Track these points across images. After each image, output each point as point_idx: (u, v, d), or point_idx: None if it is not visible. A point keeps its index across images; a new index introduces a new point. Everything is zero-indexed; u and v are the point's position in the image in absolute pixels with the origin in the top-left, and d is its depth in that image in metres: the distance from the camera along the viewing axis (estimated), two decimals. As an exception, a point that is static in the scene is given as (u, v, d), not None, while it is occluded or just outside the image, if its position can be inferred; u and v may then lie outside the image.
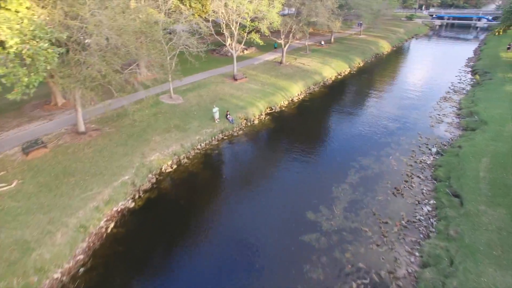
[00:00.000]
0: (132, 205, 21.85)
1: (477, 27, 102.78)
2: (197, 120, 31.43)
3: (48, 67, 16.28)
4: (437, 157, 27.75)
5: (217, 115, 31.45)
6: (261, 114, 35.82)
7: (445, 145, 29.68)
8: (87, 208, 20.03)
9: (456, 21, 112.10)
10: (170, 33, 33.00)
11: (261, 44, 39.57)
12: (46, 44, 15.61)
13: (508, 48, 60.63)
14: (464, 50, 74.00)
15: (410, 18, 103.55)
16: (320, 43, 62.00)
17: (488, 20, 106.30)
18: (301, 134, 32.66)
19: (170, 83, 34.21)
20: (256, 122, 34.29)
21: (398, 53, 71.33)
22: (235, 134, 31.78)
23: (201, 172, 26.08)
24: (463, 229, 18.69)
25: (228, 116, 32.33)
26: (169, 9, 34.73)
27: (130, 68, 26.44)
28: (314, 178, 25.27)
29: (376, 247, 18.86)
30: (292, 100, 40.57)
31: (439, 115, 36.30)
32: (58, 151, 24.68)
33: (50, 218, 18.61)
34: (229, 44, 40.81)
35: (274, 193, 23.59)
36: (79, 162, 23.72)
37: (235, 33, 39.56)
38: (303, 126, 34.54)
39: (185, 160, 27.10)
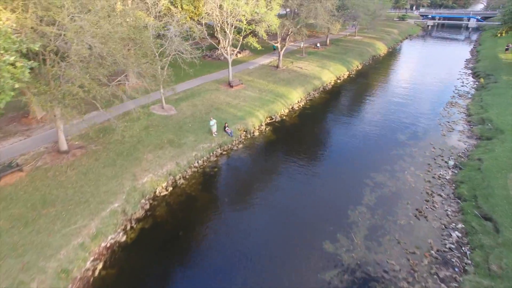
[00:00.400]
0: (124, 238, 18.94)
1: (468, 27, 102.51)
2: (192, 134, 28.59)
3: (17, 85, 13.30)
4: (456, 171, 25.62)
5: (214, 128, 28.68)
6: (261, 125, 33.18)
7: (461, 157, 27.58)
8: (70, 246, 17.04)
9: (446, 21, 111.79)
10: (160, 37, 30.10)
11: (258, 48, 36.94)
12: (13, 57, 12.64)
13: (507, 49, 59.54)
14: (460, 50, 73.00)
15: (402, 18, 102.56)
16: (316, 45, 59.81)
17: (477, 20, 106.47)
18: (305, 147, 30.20)
19: (162, 93, 31.30)
20: (256, 134, 31.64)
21: (395, 54, 69.79)
22: (235, 148, 29.07)
23: (199, 194, 23.29)
24: (508, 264, 16.42)
25: (227, 128, 29.59)
26: (159, 12, 31.86)
27: (118, 80, 23.40)
28: (326, 200, 22.74)
29: (407, 285, 16.44)
30: (292, 108, 38.06)
31: (448, 122, 34.30)
32: (36, 175, 21.54)
33: (23, 264, 15.55)
34: (223, 48, 38.08)
35: (283, 219, 20.99)
36: (61, 188, 20.64)
37: (230, 37, 36.87)
38: (306, 138, 32.09)
39: (182, 180, 24.26)
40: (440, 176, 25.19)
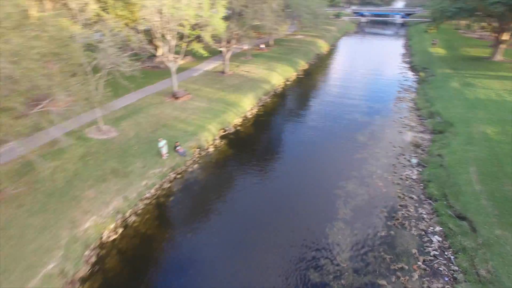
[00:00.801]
0: (65, 311, 15.11)
1: (396, 23, 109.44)
2: (140, 159, 24.92)
3: None
4: (420, 170, 25.39)
5: (165, 150, 25.29)
6: (215, 139, 30.40)
7: (422, 154, 27.61)
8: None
9: (376, 18, 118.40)
10: (91, 49, 25.83)
11: (205, 55, 33.96)
12: None
13: (433, 44, 63.53)
14: (394, 45, 76.92)
15: (338, 16, 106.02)
16: (260, 46, 58.19)
17: (402, 16, 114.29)
18: (264, 159, 28.15)
19: (98, 113, 27.04)
20: (211, 150, 28.80)
21: (337, 51, 71.12)
22: (190, 169, 25.99)
23: (156, 231, 20.00)
24: (495, 266, 15.79)
25: (178, 148, 26.36)
26: (88, 19, 27.50)
27: (41, 106, 19.12)
28: (300, 218, 20.80)
29: (403, 308, 15.07)
30: (245, 116, 35.75)
31: (401, 118, 34.64)
32: None
33: None
34: (164, 56, 34.47)
35: (257, 246, 18.64)
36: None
37: (173, 44, 33.43)
38: (264, 148, 30.13)
39: (133, 218, 20.67)
40: (407, 176, 24.71)
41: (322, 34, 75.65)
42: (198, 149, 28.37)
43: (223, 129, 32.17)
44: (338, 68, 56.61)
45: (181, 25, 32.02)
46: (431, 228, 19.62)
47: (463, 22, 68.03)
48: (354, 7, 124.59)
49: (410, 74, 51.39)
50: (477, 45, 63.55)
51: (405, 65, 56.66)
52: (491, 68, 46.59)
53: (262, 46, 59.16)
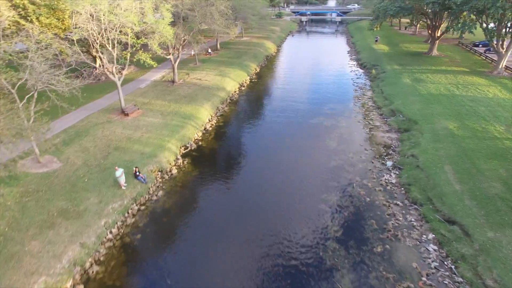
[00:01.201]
0: None
1: (336, 21, 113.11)
2: (93, 192, 21.17)
3: None
4: (397, 172, 25.04)
5: (123, 180, 21.81)
6: (177, 158, 27.34)
7: (394, 155, 27.42)
8: None
9: (314, 17, 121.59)
10: (14, 67, 21.36)
11: (155, 66, 30.51)
12: None
13: (376, 41, 66.10)
14: (337, 43, 79.07)
15: (279, 16, 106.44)
16: (207, 51, 55.37)
17: (338, 14, 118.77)
18: (233, 174, 25.90)
19: (33, 142, 22.58)
20: (174, 171, 25.74)
21: (285, 52, 70.63)
22: (154, 197, 22.79)
23: (124, 281, 16.75)
24: (500, 275, 15.37)
25: (138, 174, 22.98)
26: (3, 29, 22.93)
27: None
28: (291, 241, 18.94)
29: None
30: (205, 129, 33.01)
31: (364, 118, 34.57)
32: None
33: None
34: (106, 68, 30.46)
35: (238, 278, 16.39)
36: None
37: (114, 54, 29.59)
38: (231, 162, 27.81)
39: (95, 268, 17.15)
40: (387, 181, 24.17)
41: (268, 35, 74.92)
42: (160, 173, 25.18)
43: (184, 146, 29.18)
44: (290, 69, 55.87)
45: (123, 33, 28.42)
46: (424, 236, 18.99)
47: (404, 20, 72.01)
48: (292, 7, 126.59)
49: (360, 71, 52.43)
50: (413, 41, 67.43)
51: (354, 63, 57.91)
52: (432, 63, 49.18)
53: (210, 51, 56.39)
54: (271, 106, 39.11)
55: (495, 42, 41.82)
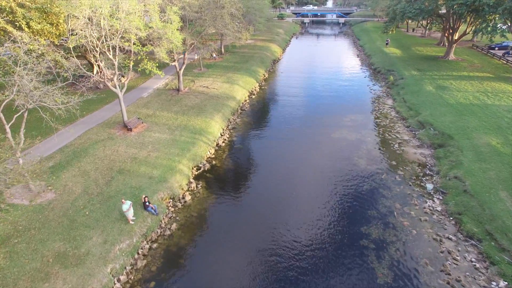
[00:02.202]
0: None
1: (339, 23, 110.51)
2: (96, 229, 17.93)
3: None
4: (441, 198, 22.05)
5: (131, 214, 18.57)
6: (190, 182, 24.12)
7: (433, 175, 24.47)
8: None
9: (315, 18, 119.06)
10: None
11: (162, 76, 27.23)
12: None
13: (387, 44, 63.34)
14: (344, 45, 76.41)
15: (281, 17, 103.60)
16: (212, 55, 52.09)
17: (339, 15, 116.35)
18: (258, 200, 22.65)
19: (22, 166, 19.21)
20: (188, 198, 22.51)
21: (292, 55, 67.61)
22: (167, 232, 19.55)
23: None
24: None
25: (148, 204, 19.76)
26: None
27: None
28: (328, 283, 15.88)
29: None
30: (218, 145, 29.82)
31: (390, 131, 31.58)
32: None
33: None
34: (107, 78, 27.22)
35: None
36: None
37: (116, 63, 26.35)
38: (252, 185, 24.51)
39: (101, 335, 13.93)
40: (431, 209, 21.17)
41: (272, 37, 71.86)
42: (172, 200, 21.97)
43: (196, 166, 26.00)
44: (300, 75, 52.73)
45: (126, 39, 25.15)
46: (494, 284, 15.97)
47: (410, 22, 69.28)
48: (292, 8, 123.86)
49: (375, 77, 49.57)
50: (424, 43, 64.74)
51: (366, 67, 55.07)
52: (451, 68, 46.44)
53: (214, 55, 53.15)
54: (286, 117, 35.92)
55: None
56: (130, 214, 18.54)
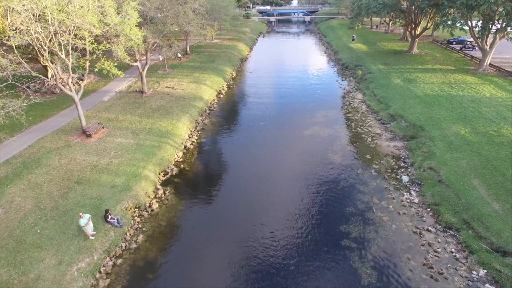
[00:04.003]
0: None
1: (305, 21, 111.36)
2: (50, 249, 15.87)
3: None
4: (418, 189, 21.76)
5: (90, 229, 16.65)
6: (157, 189, 22.36)
7: (407, 167, 24.23)
8: None
9: (281, 17, 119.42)
10: None
11: (121, 76, 25.18)
12: None
13: (353, 40, 64.01)
14: (311, 43, 76.83)
15: (247, 16, 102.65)
16: (177, 55, 49.99)
17: (305, 14, 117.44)
18: (230, 203, 21.28)
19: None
20: (155, 206, 20.79)
21: (260, 54, 66.63)
22: (133, 245, 17.77)
23: None
24: None
25: (110, 218, 17.87)
26: None
27: None
28: (316, 298, 14.87)
29: None
30: (186, 147, 28.20)
31: (362, 126, 31.32)
32: None
33: None
34: (60, 80, 24.87)
35: None
36: None
37: (70, 63, 24.08)
38: (223, 188, 23.08)
39: None
40: (408, 201, 20.81)
41: (239, 36, 70.62)
42: (138, 210, 20.15)
43: (163, 171, 24.25)
44: (269, 72, 51.80)
45: (79, 37, 22.98)
46: (475, 272, 15.64)
47: (374, 18, 70.58)
48: (258, 7, 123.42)
49: (343, 72, 49.70)
50: (388, 39, 66.03)
51: (334, 63, 55.21)
52: (416, 62, 47.38)
53: (180, 55, 51.10)
54: (256, 116, 34.81)
55: (479, 40, 40.33)
56: (90, 229, 16.61)
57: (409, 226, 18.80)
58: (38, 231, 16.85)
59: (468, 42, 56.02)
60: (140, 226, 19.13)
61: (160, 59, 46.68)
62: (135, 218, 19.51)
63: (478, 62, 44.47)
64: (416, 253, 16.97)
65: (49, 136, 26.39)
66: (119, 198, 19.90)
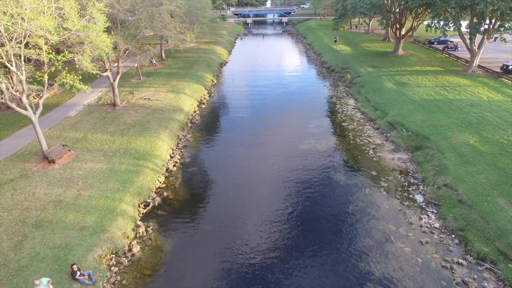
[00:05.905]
0: None
1: (282, 22, 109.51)
2: (-3, 331, 12.09)
3: None
4: (436, 211, 19.38)
5: (52, 294, 13.00)
6: (137, 226, 18.77)
7: (419, 184, 21.89)
8: None
9: (257, 18, 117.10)
10: None
11: (88, 92, 21.28)
12: None
13: (335, 41, 62.18)
14: (291, 45, 74.77)
15: (223, 18, 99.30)
16: (152, 62, 45.90)
17: (281, 15, 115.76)
18: (224, 238, 18.07)
19: None
20: (136, 249, 17.22)
21: (239, 57, 63.37)
22: (110, 307, 14.21)
23: None
24: None
25: (79, 274, 14.20)
26: None
27: None
28: None
29: None
30: (168, 170, 24.63)
31: (360, 136, 28.88)
32: None
33: None
34: (11, 96, 20.79)
35: None
36: None
37: (23, 77, 20.07)
38: (215, 218, 19.77)
39: None
40: (428, 226, 18.37)
41: (216, 39, 67.14)
42: (115, 256, 16.51)
43: (143, 202, 20.64)
44: (252, 78, 48.59)
45: (34, 45, 19.05)
46: (527, 320, 13.25)
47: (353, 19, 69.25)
48: (233, 9, 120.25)
49: (330, 75, 47.47)
50: (371, 40, 64.73)
51: (319, 66, 52.93)
52: (403, 63, 45.95)
53: (154, 61, 47.05)
54: (243, 128, 31.65)
55: (468, 40, 39.11)
56: (50, 295, 12.94)
57: (436, 259, 16.28)
58: (-17, 301, 13.00)
59: (450, 42, 55.45)
60: (118, 278, 15.51)
61: (135, 66, 42.54)
62: (112, 268, 15.87)
63: (465, 63, 43.56)
64: (451, 294, 14.47)
65: (1, 164, 22.11)
66: (91, 243, 16.21)
